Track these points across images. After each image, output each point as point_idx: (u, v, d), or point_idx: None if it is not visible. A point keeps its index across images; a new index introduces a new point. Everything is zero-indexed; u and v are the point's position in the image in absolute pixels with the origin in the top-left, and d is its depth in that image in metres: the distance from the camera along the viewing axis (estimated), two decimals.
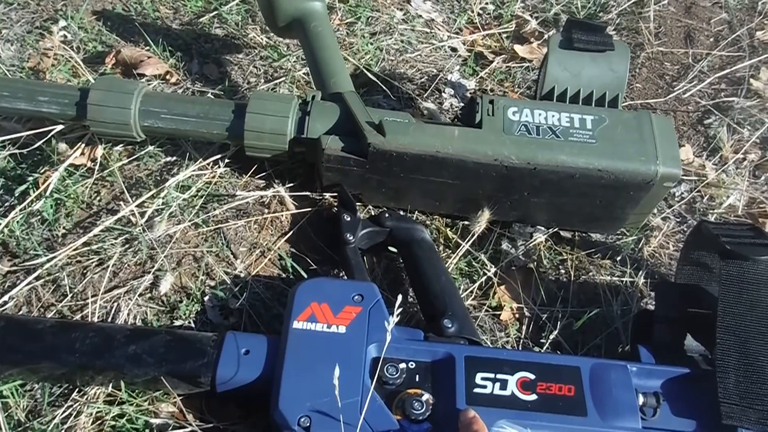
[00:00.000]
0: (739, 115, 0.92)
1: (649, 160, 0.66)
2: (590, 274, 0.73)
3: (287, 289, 0.68)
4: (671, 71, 0.99)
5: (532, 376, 0.56)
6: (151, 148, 0.77)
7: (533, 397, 0.54)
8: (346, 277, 0.66)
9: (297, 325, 0.55)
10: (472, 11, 1.05)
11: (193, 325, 0.64)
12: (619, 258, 0.74)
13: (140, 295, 0.65)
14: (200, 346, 0.56)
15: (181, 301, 0.66)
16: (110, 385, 0.56)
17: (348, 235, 0.67)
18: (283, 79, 0.88)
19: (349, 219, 0.69)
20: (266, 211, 0.74)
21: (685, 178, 0.84)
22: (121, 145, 0.77)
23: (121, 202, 0.72)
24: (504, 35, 1.02)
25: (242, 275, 0.68)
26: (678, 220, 0.80)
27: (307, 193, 0.75)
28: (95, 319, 0.63)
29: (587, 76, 0.73)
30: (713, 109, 0.93)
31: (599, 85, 0.73)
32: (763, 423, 0.53)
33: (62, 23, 0.91)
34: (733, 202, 0.81)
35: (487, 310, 0.69)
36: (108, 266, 0.66)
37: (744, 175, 0.85)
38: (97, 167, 0.74)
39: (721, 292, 0.57)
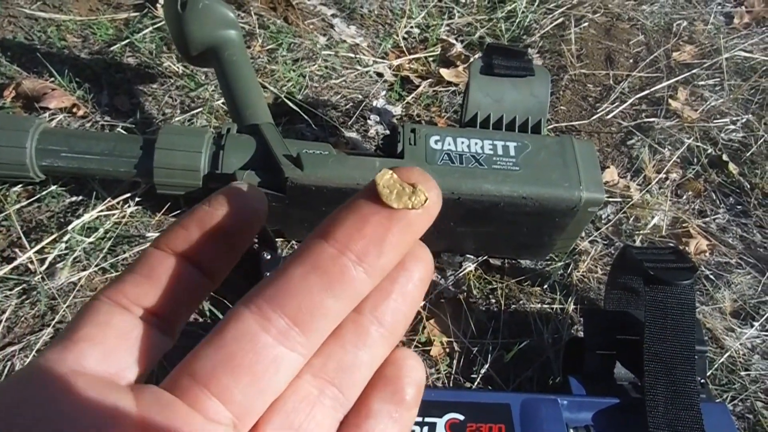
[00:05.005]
0: (659, 135, 0.94)
1: (572, 186, 0.65)
2: (520, 302, 0.72)
3: (204, 334, 0.63)
4: (594, 93, 1.01)
5: (461, 417, 0.53)
6: (53, 188, 0.72)
7: None
8: None
9: None
10: (398, 35, 1.04)
11: None
12: (548, 285, 0.73)
13: (38, 351, 0.59)
14: None
15: None
16: None
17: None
18: (201, 109, 0.84)
19: (269, 257, 0.65)
20: None
21: (610, 199, 0.84)
22: (19, 185, 0.72)
23: (18, 249, 0.66)
24: (430, 59, 1.01)
25: None
26: (605, 242, 0.80)
27: None
28: None
29: (509, 102, 0.72)
30: (635, 130, 0.94)
31: (522, 111, 0.72)
32: None
33: None
34: (658, 222, 0.82)
35: (416, 346, 0.66)
36: (1, 321, 0.61)
37: (667, 194, 0.86)
38: None
39: (647, 318, 0.57)
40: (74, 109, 0.82)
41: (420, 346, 0.67)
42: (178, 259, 0.18)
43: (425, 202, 0.16)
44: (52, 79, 0.84)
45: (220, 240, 0.19)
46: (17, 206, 0.70)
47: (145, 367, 0.18)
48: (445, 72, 0.99)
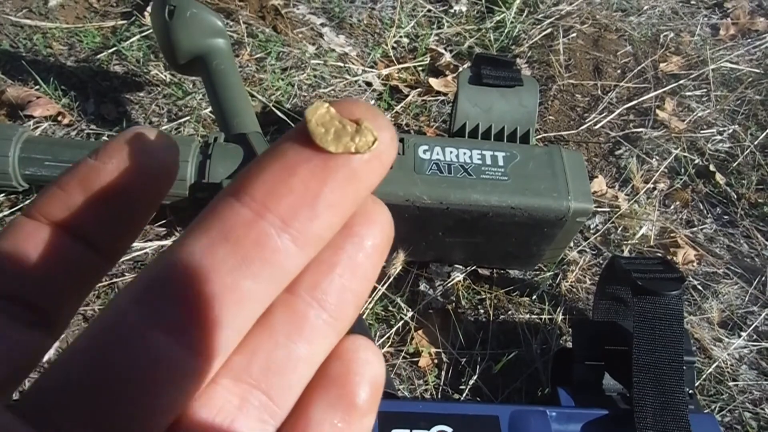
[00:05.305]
0: (647, 146, 0.94)
1: (560, 196, 0.65)
2: (509, 312, 0.72)
3: None
4: (582, 103, 1.01)
5: (449, 430, 0.53)
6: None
7: None
8: None
9: None
10: (387, 45, 1.04)
11: None
12: (537, 295, 0.73)
13: None
14: None
15: None
16: None
17: None
18: (188, 118, 0.84)
19: None
20: None
21: (599, 209, 0.84)
22: (1, 194, 0.71)
23: None
24: (419, 68, 1.01)
25: None
26: (594, 252, 0.80)
27: None
28: None
29: (498, 112, 0.72)
30: (623, 140, 0.95)
31: (510, 121, 0.72)
32: None
33: None
34: (646, 232, 0.82)
35: (404, 357, 0.66)
36: None
37: (655, 204, 0.86)
38: None
39: (635, 329, 0.57)
40: (60, 118, 0.81)
41: (408, 357, 0.66)
42: (54, 230, 0.14)
43: (373, 144, 0.12)
44: (38, 86, 0.83)
45: (112, 203, 0.14)
46: None
47: (7, 377, 0.13)
48: (434, 81, 0.99)
